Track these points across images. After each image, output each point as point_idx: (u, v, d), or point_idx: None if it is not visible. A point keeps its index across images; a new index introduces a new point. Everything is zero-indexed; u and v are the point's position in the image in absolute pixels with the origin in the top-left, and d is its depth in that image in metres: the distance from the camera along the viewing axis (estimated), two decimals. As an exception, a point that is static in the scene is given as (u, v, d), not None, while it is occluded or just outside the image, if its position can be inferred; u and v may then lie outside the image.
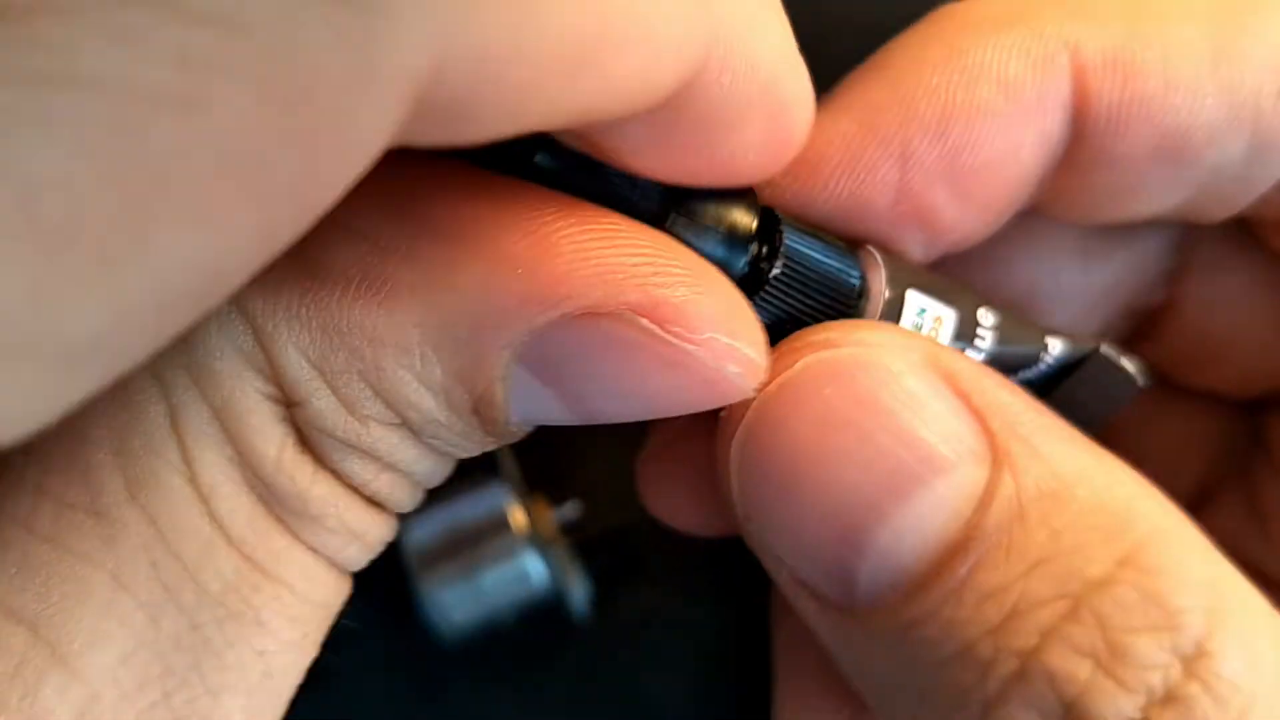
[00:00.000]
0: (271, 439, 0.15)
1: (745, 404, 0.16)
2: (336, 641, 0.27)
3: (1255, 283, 0.21)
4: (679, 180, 0.15)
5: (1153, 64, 0.17)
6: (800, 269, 0.17)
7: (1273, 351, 0.21)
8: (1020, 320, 0.19)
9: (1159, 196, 0.19)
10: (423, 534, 0.25)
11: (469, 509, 0.25)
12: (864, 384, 0.16)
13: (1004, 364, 0.18)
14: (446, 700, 0.28)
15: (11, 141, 0.08)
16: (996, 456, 0.15)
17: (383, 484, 0.16)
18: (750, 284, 0.16)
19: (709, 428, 0.17)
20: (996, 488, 0.15)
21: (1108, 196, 0.19)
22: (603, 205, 0.15)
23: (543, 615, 0.28)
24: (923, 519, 0.15)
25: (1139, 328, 0.23)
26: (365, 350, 0.14)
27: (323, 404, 0.15)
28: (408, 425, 0.15)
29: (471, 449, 0.16)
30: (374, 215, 0.15)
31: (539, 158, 0.15)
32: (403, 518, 0.25)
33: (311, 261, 0.14)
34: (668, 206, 0.16)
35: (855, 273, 0.17)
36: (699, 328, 0.14)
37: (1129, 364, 0.19)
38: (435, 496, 0.26)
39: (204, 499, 0.14)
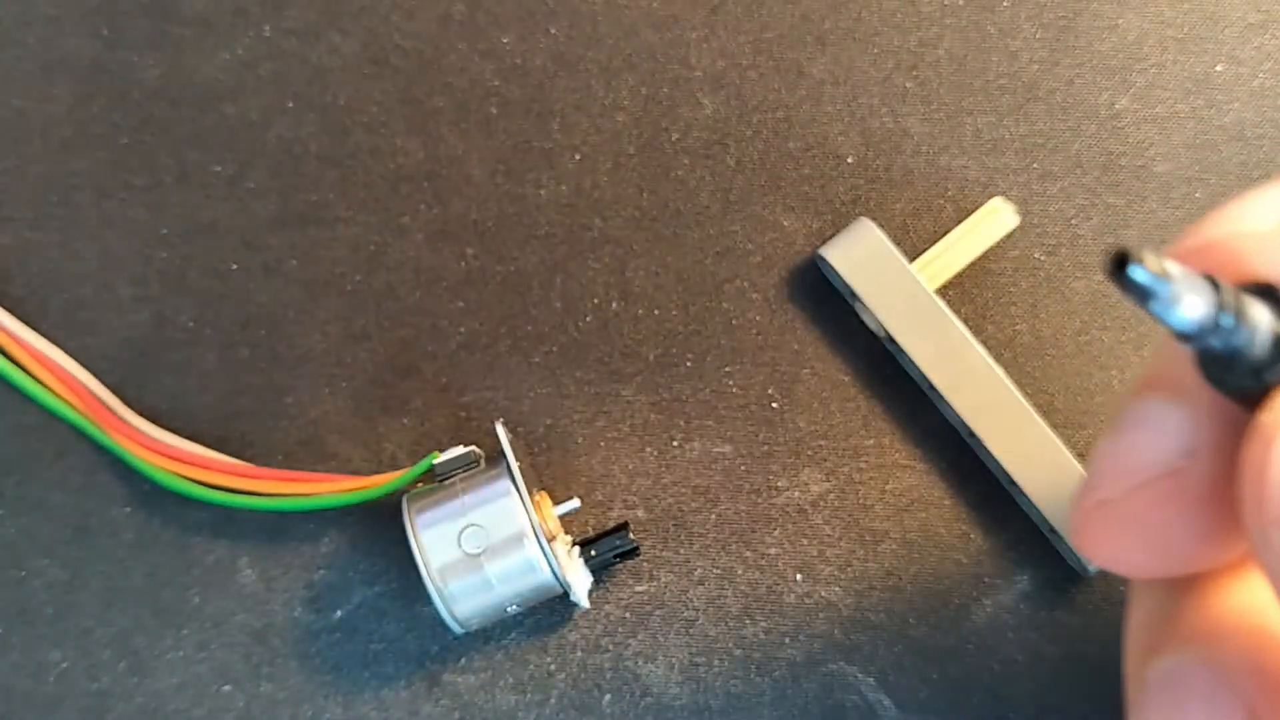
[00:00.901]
0: None
1: None
2: (343, 632, 0.28)
3: None
4: None
5: None
6: None
7: None
8: None
9: None
10: (430, 528, 0.26)
11: (476, 503, 0.26)
12: None
13: None
14: (453, 690, 0.28)
15: None
16: None
17: None
18: None
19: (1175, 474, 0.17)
20: None
21: None
22: None
23: (546, 606, 0.28)
24: None
25: None
26: None
27: None
28: None
29: None
30: None
31: None
32: (411, 511, 0.26)
33: None
34: None
35: None
36: None
37: None
38: (443, 492, 0.26)
39: None
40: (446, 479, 0.27)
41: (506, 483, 0.26)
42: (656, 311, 0.30)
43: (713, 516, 0.29)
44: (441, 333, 0.30)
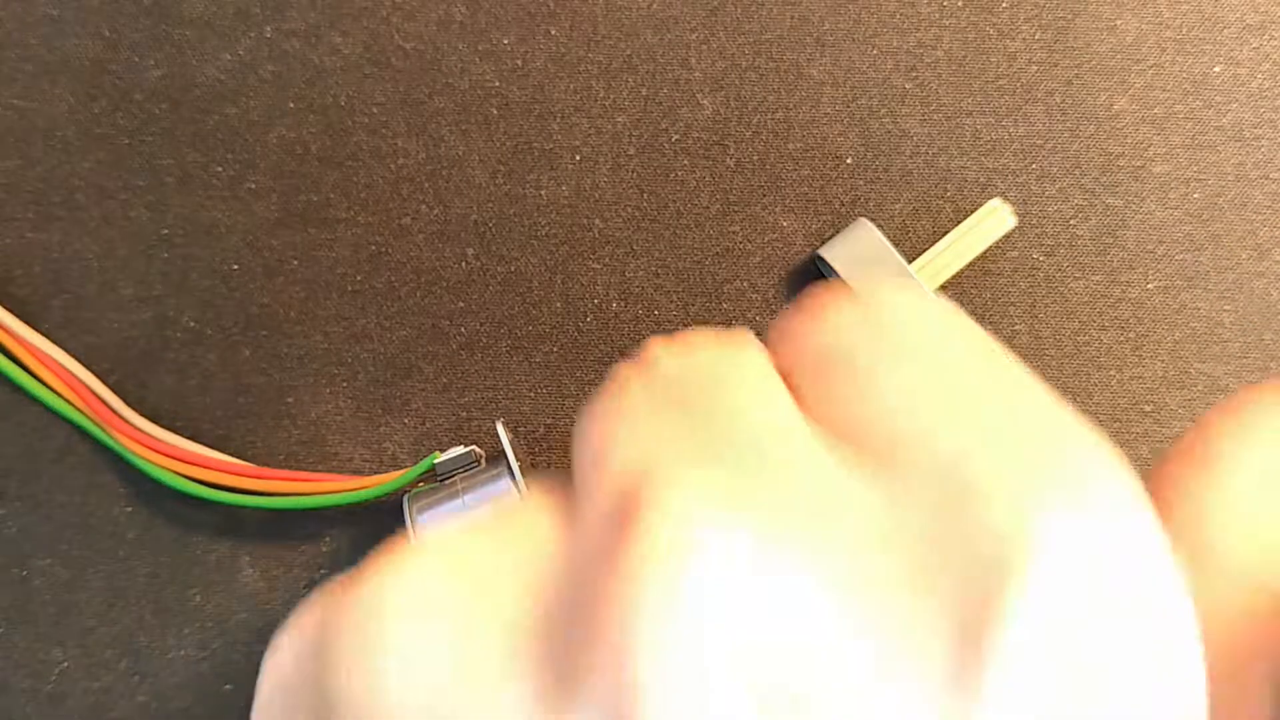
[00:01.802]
0: None
1: None
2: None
3: None
4: None
5: None
6: None
7: None
8: None
9: None
10: (432, 526, 0.26)
11: (476, 503, 0.26)
12: None
13: None
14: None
15: None
16: None
17: None
18: None
19: None
20: None
21: None
22: None
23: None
24: None
25: None
26: None
27: None
28: None
29: None
30: None
31: None
32: (412, 510, 0.26)
33: None
34: None
35: None
36: None
37: None
38: (443, 491, 0.26)
39: None
40: (447, 478, 0.27)
41: (507, 482, 0.26)
42: (656, 311, 0.30)
43: (712, 516, 0.29)
44: (442, 333, 0.30)
